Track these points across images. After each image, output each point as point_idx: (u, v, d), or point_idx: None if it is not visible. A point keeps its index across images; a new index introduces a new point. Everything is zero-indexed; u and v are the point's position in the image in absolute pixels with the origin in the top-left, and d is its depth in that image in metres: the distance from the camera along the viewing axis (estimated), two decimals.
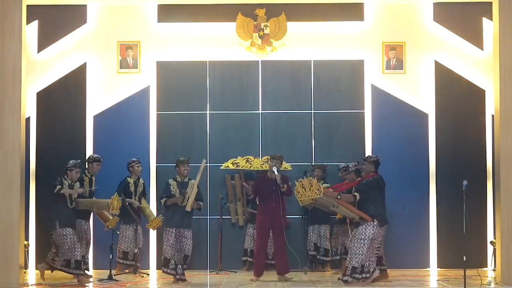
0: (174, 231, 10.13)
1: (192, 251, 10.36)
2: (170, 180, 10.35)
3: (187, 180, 10.33)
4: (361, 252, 9.55)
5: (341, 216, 10.59)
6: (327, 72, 11.99)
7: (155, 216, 11.04)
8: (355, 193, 9.81)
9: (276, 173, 10.20)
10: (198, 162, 10.85)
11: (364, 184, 9.79)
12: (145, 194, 11.41)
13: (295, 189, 9.86)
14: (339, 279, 9.91)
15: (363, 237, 9.55)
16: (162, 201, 10.26)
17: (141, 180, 11.36)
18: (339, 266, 11.36)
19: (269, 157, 10.73)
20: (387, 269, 10.29)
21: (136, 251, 11.01)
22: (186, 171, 10.30)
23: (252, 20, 11.98)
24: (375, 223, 9.57)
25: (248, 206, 11.71)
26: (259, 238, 10.30)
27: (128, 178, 11.21)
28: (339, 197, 9.75)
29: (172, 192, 10.22)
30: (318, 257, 11.41)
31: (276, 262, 10.23)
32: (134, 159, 11.29)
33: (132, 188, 11.16)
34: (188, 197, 10.21)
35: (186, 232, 10.17)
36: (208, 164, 11.67)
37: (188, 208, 10.16)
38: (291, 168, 11.52)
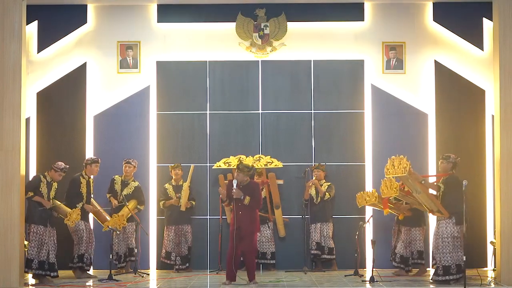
0: (173, 228, 11.32)
1: (192, 250, 11.52)
2: (166, 185, 11.51)
3: (181, 184, 11.41)
4: (447, 250, 9.41)
5: (388, 212, 10.35)
6: (327, 72, 11.99)
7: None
8: (440, 184, 9.59)
9: (234, 187, 9.73)
10: (198, 162, 11.62)
11: (451, 177, 9.55)
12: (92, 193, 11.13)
13: (385, 166, 9.41)
14: (431, 279, 9.77)
15: (445, 235, 9.38)
16: (161, 203, 11.46)
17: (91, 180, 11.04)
18: (338, 266, 11.41)
19: (237, 165, 10.21)
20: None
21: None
22: (177, 175, 11.44)
23: (252, 20, 11.99)
24: (453, 221, 9.41)
25: None
26: (230, 243, 9.81)
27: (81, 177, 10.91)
28: (423, 182, 9.48)
29: (169, 195, 11.41)
30: (322, 256, 11.40)
31: (246, 268, 10.06)
32: (94, 158, 11.04)
33: (83, 190, 10.88)
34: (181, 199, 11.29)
35: (186, 227, 11.37)
36: (208, 164, 11.76)
37: (182, 208, 11.31)
38: (282, 166, 11.54)
